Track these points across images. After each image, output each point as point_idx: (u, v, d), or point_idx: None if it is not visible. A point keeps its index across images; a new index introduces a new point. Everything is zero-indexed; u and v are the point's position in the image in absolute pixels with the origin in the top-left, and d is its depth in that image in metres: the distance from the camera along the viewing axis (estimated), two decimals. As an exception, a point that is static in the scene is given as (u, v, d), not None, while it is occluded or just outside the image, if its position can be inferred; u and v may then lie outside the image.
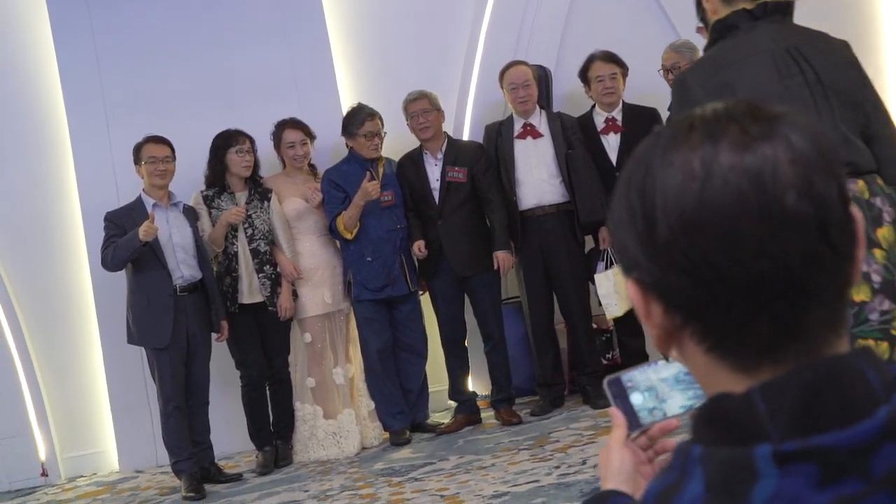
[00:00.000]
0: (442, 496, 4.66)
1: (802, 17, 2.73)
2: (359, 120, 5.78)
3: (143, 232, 5.08)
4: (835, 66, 2.66)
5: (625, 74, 6.03)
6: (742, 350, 0.85)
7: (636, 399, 1.30)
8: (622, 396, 1.30)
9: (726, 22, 2.69)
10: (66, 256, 6.29)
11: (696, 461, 0.83)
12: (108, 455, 6.30)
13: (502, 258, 5.77)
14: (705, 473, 0.82)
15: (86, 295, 6.21)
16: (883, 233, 2.53)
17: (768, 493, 0.78)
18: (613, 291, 5.77)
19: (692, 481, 0.83)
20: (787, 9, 2.72)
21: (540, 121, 6.00)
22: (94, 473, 6.24)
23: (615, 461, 1.28)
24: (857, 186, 2.51)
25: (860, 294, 2.45)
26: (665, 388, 1.30)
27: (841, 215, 0.83)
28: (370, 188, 5.51)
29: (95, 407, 6.28)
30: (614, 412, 1.31)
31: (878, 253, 2.51)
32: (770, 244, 0.80)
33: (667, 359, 1.27)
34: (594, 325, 6.20)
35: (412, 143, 5.96)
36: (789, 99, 2.51)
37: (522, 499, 4.41)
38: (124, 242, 5.21)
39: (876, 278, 2.48)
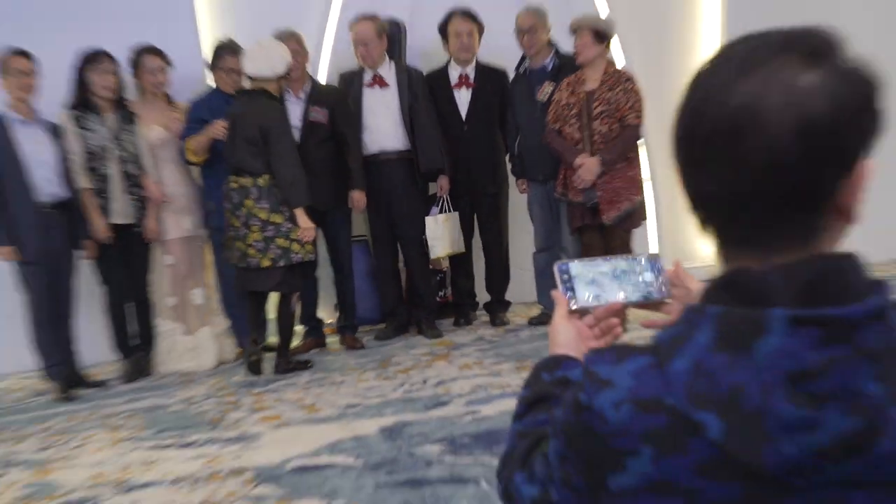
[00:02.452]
0: (300, 405, 5.16)
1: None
2: (221, 55, 6.03)
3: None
4: None
5: (481, 33, 6.33)
6: (759, 241, 1.00)
7: (579, 285, 1.49)
8: (568, 281, 1.49)
9: None
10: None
11: (708, 317, 0.97)
12: (-24, 359, 6.43)
13: (357, 197, 6.10)
14: (715, 327, 0.96)
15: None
16: None
17: (772, 346, 0.91)
18: (440, 235, 6.23)
19: (701, 332, 0.97)
20: None
21: (388, 72, 6.26)
22: (-34, 375, 6.48)
23: (561, 334, 1.46)
24: None
25: None
26: (604, 280, 1.49)
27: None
28: (217, 128, 5.70)
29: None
30: (556, 294, 1.49)
31: None
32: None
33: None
34: (430, 266, 6.61)
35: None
36: None
37: (374, 409, 4.96)
38: None
39: None
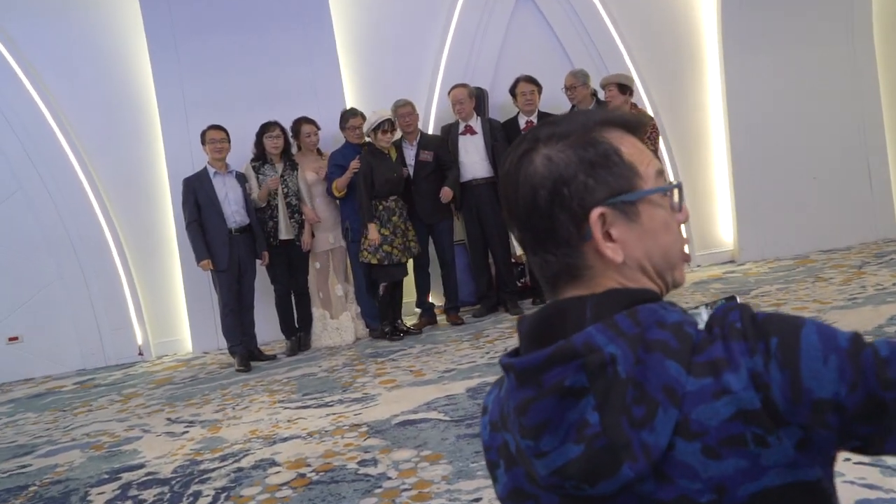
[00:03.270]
0: (411, 371, 4.77)
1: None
2: (345, 118, 5.84)
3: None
4: None
5: (540, 91, 6.06)
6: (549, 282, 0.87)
7: None
8: None
9: None
10: (156, 206, 6.35)
11: None
12: (184, 342, 6.42)
13: (446, 191, 5.82)
14: None
15: (170, 232, 6.29)
16: None
17: (506, 385, 0.83)
18: None
19: None
20: None
21: (476, 123, 6.04)
22: (175, 354, 6.36)
23: None
24: None
25: None
26: None
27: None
28: (353, 165, 5.56)
29: (175, 308, 6.39)
30: None
31: None
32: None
33: None
34: (513, 260, 6.25)
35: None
36: None
37: (464, 372, 4.54)
38: (195, 245, 5.38)
39: None
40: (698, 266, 6.90)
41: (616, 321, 0.76)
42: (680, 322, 0.77)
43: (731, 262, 6.98)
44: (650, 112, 6.42)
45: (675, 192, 0.86)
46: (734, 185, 6.91)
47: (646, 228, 0.83)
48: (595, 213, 0.80)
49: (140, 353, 6.30)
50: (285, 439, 3.80)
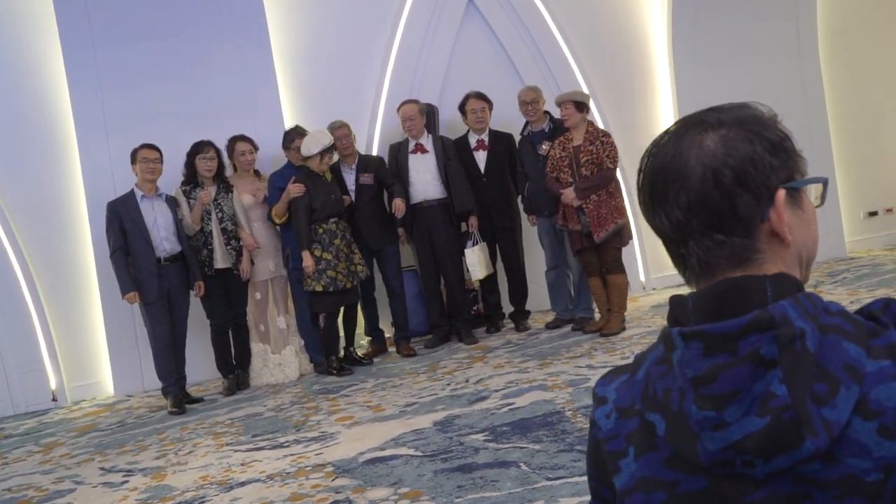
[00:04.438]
0: (368, 406, 4.72)
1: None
2: (290, 138, 5.78)
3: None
4: None
5: (491, 108, 6.14)
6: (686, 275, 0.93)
7: None
8: None
9: None
10: (73, 233, 6.12)
11: (659, 336, 0.91)
12: (105, 384, 6.16)
13: (398, 204, 5.76)
14: (661, 344, 0.90)
15: (88, 262, 6.06)
16: None
17: (678, 357, 0.84)
18: (477, 262, 5.94)
19: (656, 348, 0.91)
20: None
21: (427, 141, 6.06)
22: (94, 398, 6.09)
23: None
24: None
25: None
26: None
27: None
28: (292, 190, 5.45)
29: (94, 347, 6.14)
30: None
31: None
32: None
33: None
34: (465, 286, 6.24)
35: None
36: None
37: (427, 406, 4.54)
38: (120, 276, 5.23)
39: None
40: (654, 289, 7.08)
41: (800, 299, 0.83)
42: (843, 310, 0.85)
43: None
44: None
45: (823, 186, 0.95)
46: (687, 204, 7.13)
47: (806, 217, 0.91)
48: (781, 192, 0.87)
49: (54, 399, 6.01)
50: (243, 483, 3.69)
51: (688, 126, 0.91)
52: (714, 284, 0.87)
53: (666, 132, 0.93)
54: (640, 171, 0.95)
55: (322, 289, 5.49)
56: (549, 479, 3.27)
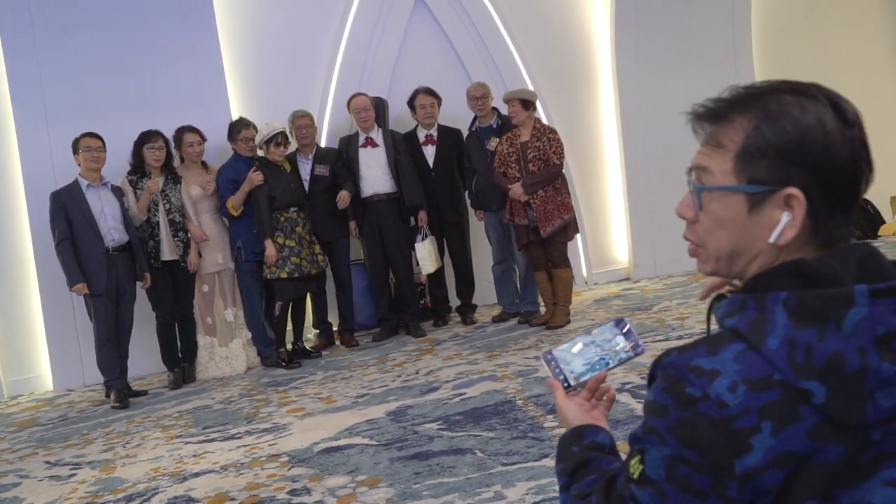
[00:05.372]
0: (319, 398, 4.73)
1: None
2: (237, 129, 5.74)
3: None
4: None
5: (440, 104, 6.20)
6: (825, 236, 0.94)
7: (566, 368, 1.33)
8: (556, 367, 1.34)
9: None
10: (10, 223, 5.93)
11: (776, 301, 0.88)
12: (44, 379, 5.98)
13: (343, 195, 5.81)
14: (787, 307, 0.88)
15: (27, 253, 5.89)
16: None
17: (860, 315, 0.85)
18: (427, 255, 6.01)
19: (777, 314, 0.88)
20: None
21: (377, 135, 6.09)
22: (32, 393, 5.92)
23: (568, 412, 1.30)
24: None
25: None
26: (586, 355, 1.33)
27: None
28: (254, 178, 5.48)
29: (33, 340, 5.97)
30: (551, 381, 1.34)
31: None
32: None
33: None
34: (414, 280, 6.30)
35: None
36: None
37: (379, 397, 4.57)
38: (67, 267, 5.10)
39: None
40: (595, 284, 7.24)
41: None
42: None
43: (627, 279, 7.36)
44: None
45: None
46: (628, 202, 7.33)
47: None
48: None
49: (-12, 394, 5.81)
50: (197, 474, 3.67)
51: (836, 101, 0.96)
52: (848, 249, 0.93)
53: (847, 101, 0.96)
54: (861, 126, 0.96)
55: (287, 275, 5.51)
56: (504, 464, 3.35)
